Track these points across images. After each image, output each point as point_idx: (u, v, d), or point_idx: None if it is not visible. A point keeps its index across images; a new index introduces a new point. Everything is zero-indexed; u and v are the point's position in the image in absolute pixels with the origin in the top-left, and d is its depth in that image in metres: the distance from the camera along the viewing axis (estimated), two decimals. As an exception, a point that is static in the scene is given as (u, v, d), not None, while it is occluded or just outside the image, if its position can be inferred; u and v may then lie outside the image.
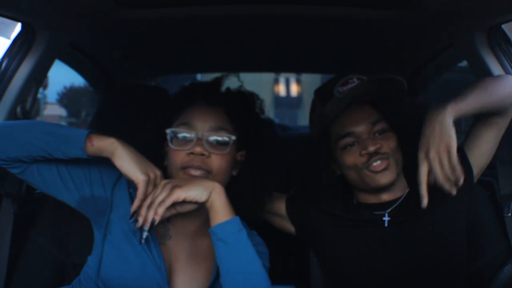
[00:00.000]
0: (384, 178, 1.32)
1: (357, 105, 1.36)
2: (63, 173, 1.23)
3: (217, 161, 1.23)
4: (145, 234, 1.11)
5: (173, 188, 1.13)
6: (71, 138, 1.16)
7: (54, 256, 1.50)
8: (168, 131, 1.25)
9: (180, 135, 1.25)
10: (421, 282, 1.33)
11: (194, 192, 1.14)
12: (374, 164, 1.31)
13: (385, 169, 1.31)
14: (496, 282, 1.17)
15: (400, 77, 1.35)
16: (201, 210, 1.23)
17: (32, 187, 1.60)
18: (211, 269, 1.27)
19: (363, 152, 1.32)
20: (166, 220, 1.28)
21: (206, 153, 1.22)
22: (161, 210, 1.11)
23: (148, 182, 1.14)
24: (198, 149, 1.21)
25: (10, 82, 1.40)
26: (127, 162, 1.14)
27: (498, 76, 1.39)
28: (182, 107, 1.30)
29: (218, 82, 1.35)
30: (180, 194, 1.12)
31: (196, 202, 1.14)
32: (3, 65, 1.42)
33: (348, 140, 1.35)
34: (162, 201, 1.11)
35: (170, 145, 1.25)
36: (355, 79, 1.36)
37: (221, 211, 1.16)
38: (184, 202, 1.14)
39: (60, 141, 1.17)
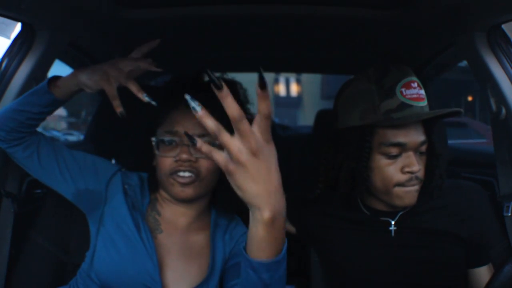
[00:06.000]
0: (412, 199, 1.28)
1: None
2: (61, 164, 1.28)
3: (205, 164, 1.23)
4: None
5: None
6: (36, 89, 1.27)
7: (54, 256, 1.50)
8: (153, 139, 1.26)
9: (166, 142, 1.25)
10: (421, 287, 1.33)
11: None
12: (411, 187, 1.27)
13: (416, 190, 1.27)
14: (496, 282, 1.17)
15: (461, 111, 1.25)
16: (193, 205, 1.23)
17: (32, 187, 1.60)
18: (205, 265, 1.27)
19: (406, 169, 1.24)
20: (157, 214, 1.30)
21: (193, 158, 1.22)
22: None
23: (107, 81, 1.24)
24: (184, 156, 1.22)
25: (10, 82, 1.41)
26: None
27: None
28: (165, 112, 1.29)
29: (197, 76, 1.34)
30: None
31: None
32: (3, 65, 1.42)
33: (395, 150, 1.25)
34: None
35: (156, 152, 1.26)
36: (416, 83, 1.27)
37: (272, 241, 0.82)
38: None
39: (28, 96, 1.27)
